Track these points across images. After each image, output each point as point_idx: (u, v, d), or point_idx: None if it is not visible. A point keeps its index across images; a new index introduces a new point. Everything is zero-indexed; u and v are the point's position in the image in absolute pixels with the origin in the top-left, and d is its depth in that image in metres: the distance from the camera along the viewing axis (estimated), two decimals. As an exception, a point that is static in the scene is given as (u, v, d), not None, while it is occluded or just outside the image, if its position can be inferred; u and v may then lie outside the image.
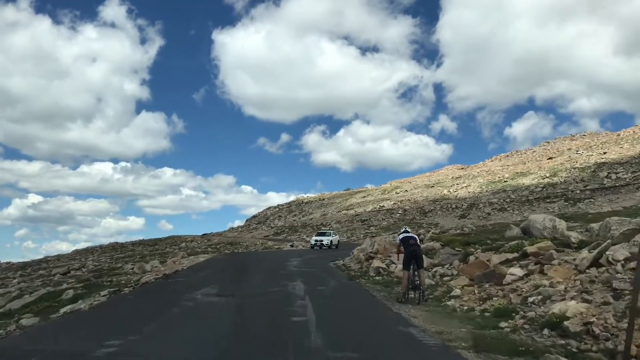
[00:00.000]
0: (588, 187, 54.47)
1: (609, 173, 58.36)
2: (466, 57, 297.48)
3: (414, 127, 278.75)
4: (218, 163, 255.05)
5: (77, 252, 75.83)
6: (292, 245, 45.02)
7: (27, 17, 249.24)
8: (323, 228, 52.95)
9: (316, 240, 38.12)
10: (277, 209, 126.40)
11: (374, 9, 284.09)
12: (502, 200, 59.83)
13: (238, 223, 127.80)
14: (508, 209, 55.30)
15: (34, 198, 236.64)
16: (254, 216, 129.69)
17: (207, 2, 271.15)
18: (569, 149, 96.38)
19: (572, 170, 67.20)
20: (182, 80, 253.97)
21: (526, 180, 70.25)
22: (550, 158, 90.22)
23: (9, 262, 58.44)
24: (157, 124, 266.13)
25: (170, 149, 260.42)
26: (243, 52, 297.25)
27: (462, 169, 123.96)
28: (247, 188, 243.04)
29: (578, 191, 54.15)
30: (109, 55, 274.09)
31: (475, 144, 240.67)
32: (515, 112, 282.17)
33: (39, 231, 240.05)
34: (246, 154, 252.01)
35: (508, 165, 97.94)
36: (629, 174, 55.77)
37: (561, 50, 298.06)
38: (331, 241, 38.03)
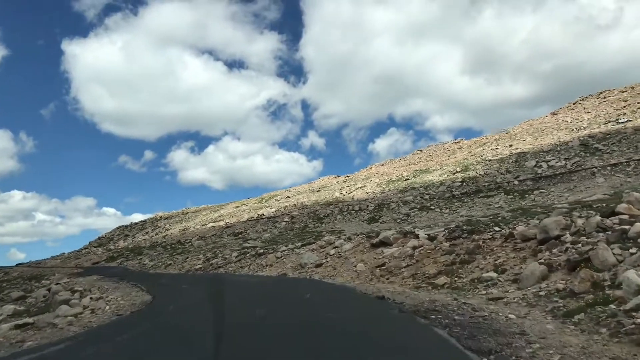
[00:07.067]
0: (527, 178, 43.22)
1: (537, 162, 48.12)
2: (329, 75, 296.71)
3: (285, 144, 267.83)
4: (76, 184, 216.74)
5: None
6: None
7: None
8: None
9: None
10: (128, 228, 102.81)
11: (239, 23, 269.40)
12: (419, 198, 46.42)
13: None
14: (433, 207, 41.74)
15: None
16: (100, 237, 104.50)
17: (54, 9, 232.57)
18: (460, 148, 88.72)
19: (487, 162, 56.75)
20: (29, 95, 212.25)
21: (433, 177, 58.35)
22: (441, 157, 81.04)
23: None
24: (2, 143, 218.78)
25: (19, 170, 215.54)
26: (97, 64, 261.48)
27: (340, 177, 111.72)
28: (109, 210, 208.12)
29: (516, 182, 42.59)
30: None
31: (342, 160, 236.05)
32: (378, 128, 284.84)
33: None
34: (107, 174, 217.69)
35: (397, 168, 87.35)
36: (563, 161, 45.87)
37: (417, 69, 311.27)
38: None
